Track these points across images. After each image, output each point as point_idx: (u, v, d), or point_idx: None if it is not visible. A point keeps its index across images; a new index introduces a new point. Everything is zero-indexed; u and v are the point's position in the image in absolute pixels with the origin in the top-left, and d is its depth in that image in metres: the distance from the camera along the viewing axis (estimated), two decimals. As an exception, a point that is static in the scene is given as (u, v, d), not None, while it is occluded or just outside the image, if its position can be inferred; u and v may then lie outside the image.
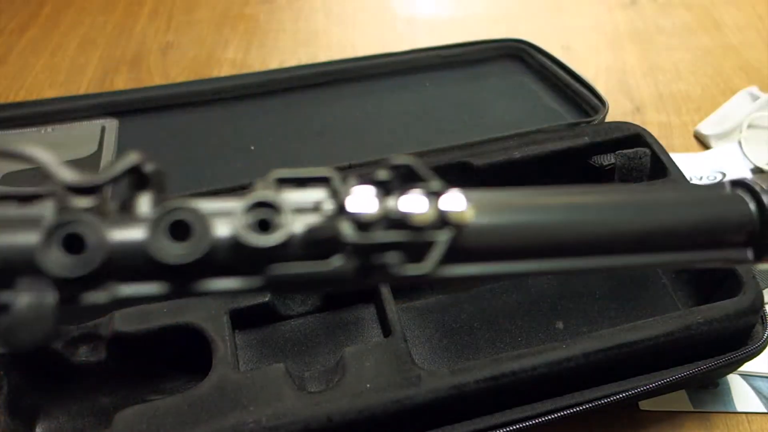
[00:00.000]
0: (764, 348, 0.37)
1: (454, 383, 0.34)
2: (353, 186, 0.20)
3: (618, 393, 0.35)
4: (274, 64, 0.68)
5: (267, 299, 0.40)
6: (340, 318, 0.41)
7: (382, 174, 0.20)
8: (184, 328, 0.38)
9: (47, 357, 0.37)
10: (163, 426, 0.34)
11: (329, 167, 0.21)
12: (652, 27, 0.72)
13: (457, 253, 0.20)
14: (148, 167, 0.20)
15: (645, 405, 0.39)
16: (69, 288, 0.18)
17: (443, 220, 0.20)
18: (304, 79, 0.60)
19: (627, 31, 0.71)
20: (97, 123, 0.56)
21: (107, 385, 0.39)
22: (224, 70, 0.68)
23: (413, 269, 0.19)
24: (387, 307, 0.39)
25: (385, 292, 0.40)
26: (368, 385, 0.35)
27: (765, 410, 0.39)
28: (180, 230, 0.18)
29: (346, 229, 0.19)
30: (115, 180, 0.19)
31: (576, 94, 0.56)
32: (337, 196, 0.20)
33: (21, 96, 0.65)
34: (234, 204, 0.19)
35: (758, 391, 0.40)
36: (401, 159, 0.20)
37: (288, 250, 0.19)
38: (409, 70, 0.61)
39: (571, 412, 0.34)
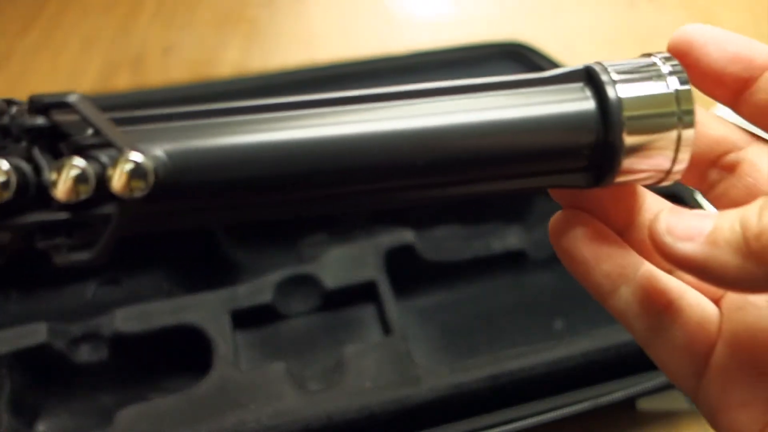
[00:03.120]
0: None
1: (454, 382, 0.35)
2: (10, 125, 0.15)
3: (617, 392, 0.35)
4: (274, 65, 0.69)
5: (268, 299, 0.40)
6: (340, 317, 0.41)
7: (37, 120, 0.15)
8: (185, 328, 0.38)
9: (49, 357, 0.37)
10: (164, 424, 0.34)
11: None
12: (650, 28, 0.72)
13: (148, 215, 0.15)
14: None
15: (642, 403, 0.39)
16: None
17: (110, 191, 0.15)
18: (304, 81, 0.60)
19: (626, 32, 0.72)
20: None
21: (108, 384, 0.39)
22: (225, 72, 0.68)
23: (78, 255, 0.15)
24: (387, 307, 0.39)
25: (385, 291, 0.40)
26: (368, 384, 0.35)
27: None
28: None
29: None
30: None
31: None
32: None
33: (23, 97, 0.65)
34: None
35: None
36: (62, 97, 0.15)
37: None
38: (408, 71, 0.61)
39: (569, 411, 0.34)
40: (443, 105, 0.17)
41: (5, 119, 0.15)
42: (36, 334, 0.37)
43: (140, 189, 0.15)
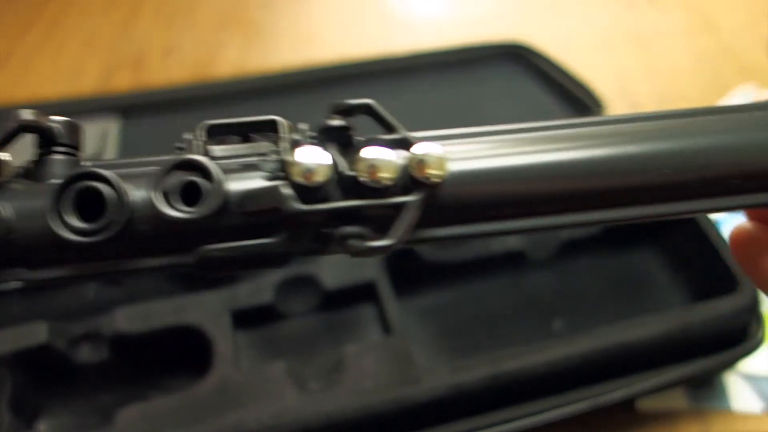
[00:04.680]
0: (759, 346, 0.37)
1: (454, 382, 0.35)
2: (301, 140, 0.16)
3: (616, 391, 0.35)
4: (274, 65, 0.69)
5: (268, 299, 0.40)
6: (340, 317, 0.41)
7: (336, 121, 0.17)
8: (186, 328, 0.38)
9: (50, 357, 0.37)
10: (164, 424, 0.34)
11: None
12: (650, 29, 0.72)
13: (431, 215, 0.17)
14: (54, 122, 0.17)
15: (642, 402, 0.39)
16: None
17: (413, 179, 0.16)
18: (303, 81, 0.60)
19: (625, 33, 0.72)
20: (99, 124, 0.57)
21: (109, 384, 0.39)
22: (225, 72, 0.68)
23: (376, 242, 0.16)
24: (387, 306, 0.39)
25: (385, 291, 0.40)
26: (368, 384, 0.35)
27: (761, 408, 0.39)
28: (90, 201, 0.16)
29: (290, 198, 0.15)
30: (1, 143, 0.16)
31: (574, 95, 0.56)
32: (280, 155, 0.16)
33: (24, 97, 0.65)
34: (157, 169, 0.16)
35: (755, 390, 0.40)
36: (359, 101, 0.17)
37: (220, 222, 0.16)
38: (408, 71, 0.61)
39: (569, 411, 0.35)
40: (690, 126, 0.18)
41: (297, 134, 0.17)
42: (36, 333, 0.37)
43: (436, 177, 0.16)
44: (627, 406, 0.39)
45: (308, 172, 0.15)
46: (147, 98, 0.59)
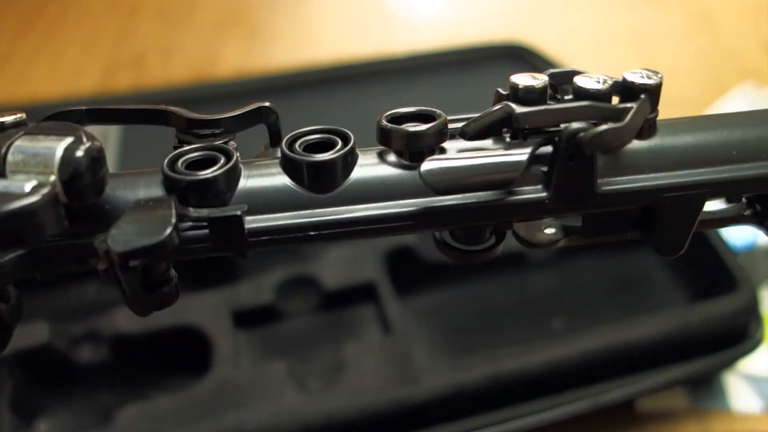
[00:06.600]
0: (758, 346, 0.37)
1: (454, 382, 0.35)
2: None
3: (616, 391, 0.35)
4: (274, 66, 0.69)
5: (268, 299, 0.40)
6: (340, 317, 0.41)
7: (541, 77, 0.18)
8: (186, 328, 0.38)
9: (50, 356, 0.37)
10: (164, 424, 0.34)
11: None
12: (649, 29, 0.72)
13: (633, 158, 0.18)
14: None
15: (642, 402, 0.39)
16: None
17: (630, 92, 0.17)
18: (303, 81, 0.60)
19: (625, 33, 0.72)
20: (99, 125, 0.57)
21: (109, 384, 0.39)
22: (225, 72, 0.68)
23: (609, 125, 0.16)
24: (387, 306, 0.39)
25: (385, 291, 0.40)
26: (368, 384, 0.35)
27: (761, 408, 0.39)
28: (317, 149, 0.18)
29: (517, 107, 0.17)
30: (240, 120, 0.19)
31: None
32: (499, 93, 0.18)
33: (24, 97, 0.65)
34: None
35: (755, 389, 0.40)
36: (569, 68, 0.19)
37: (445, 138, 0.18)
38: (408, 72, 0.61)
39: (569, 410, 0.35)
40: None
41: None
42: (37, 333, 0.37)
43: (654, 83, 0.18)
44: (627, 406, 0.39)
45: (527, 86, 0.17)
46: (147, 98, 0.59)
